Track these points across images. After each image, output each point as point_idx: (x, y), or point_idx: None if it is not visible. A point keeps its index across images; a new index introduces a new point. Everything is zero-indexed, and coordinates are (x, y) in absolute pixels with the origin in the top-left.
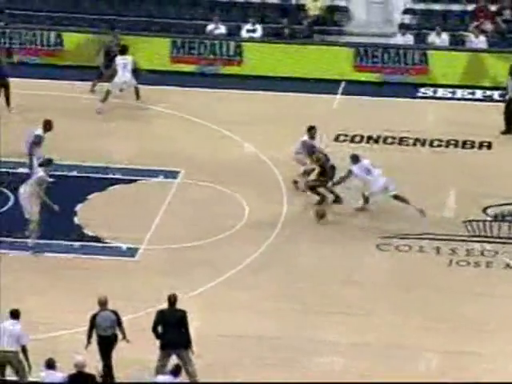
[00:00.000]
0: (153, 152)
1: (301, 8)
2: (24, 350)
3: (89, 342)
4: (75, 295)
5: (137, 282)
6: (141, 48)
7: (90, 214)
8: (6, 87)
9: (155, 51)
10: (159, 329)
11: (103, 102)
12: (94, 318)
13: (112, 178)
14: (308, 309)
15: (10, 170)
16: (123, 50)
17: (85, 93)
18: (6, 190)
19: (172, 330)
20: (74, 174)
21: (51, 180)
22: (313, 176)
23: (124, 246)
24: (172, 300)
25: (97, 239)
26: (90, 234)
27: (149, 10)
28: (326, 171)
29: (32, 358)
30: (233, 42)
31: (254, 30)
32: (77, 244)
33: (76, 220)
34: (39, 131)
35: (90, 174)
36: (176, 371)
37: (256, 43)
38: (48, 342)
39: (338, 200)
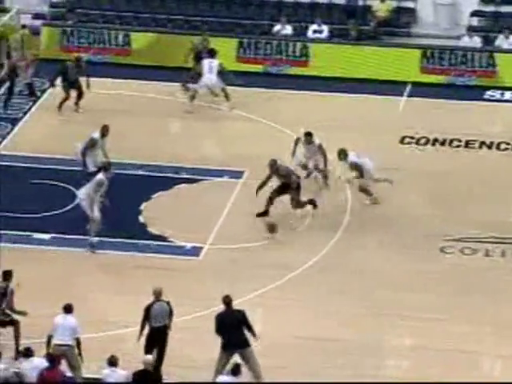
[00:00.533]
0: (218, 152)
1: (368, 9)
2: (78, 342)
3: (141, 333)
4: (139, 293)
5: (200, 281)
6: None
7: (154, 212)
8: (79, 93)
9: (222, 51)
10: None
11: (191, 101)
12: (148, 308)
13: (177, 178)
14: (373, 311)
15: (78, 168)
16: (211, 53)
17: (151, 92)
18: (71, 187)
19: (232, 331)
20: (140, 172)
21: (117, 178)
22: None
23: (188, 245)
24: (227, 301)
25: (161, 238)
26: (155, 232)
27: (218, 11)
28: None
29: (95, 355)
30: (299, 42)
31: (320, 31)
32: (141, 242)
33: (141, 218)
34: (96, 135)
35: (155, 173)
36: (236, 371)
37: (322, 44)
38: (111, 339)
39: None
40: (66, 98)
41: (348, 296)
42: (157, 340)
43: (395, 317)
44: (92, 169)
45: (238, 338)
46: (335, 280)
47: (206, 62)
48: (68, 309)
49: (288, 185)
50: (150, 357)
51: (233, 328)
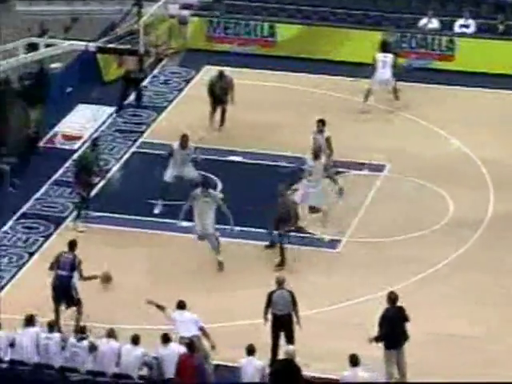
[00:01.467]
0: (359, 145)
1: None
2: (203, 330)
3: (265, 319)
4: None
5: (337, 274)
6: (351, 41)
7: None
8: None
9: (365, 44)
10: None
11: (365, 101)
12: (270, 295)
13: None
14: (508, 311)
15: (220, 158)
16: (385, 47)
17: (298, 84)
18: (214, 177)
19: (397, 327)
20: (282, 163)
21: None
22: None
23: (327, 238)
24: (392, 298)
25: (300, 229)
26: None
27: (363, 3)
28: None
29: (230, 343)
30: (445, 36)
31: (467, 26)
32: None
33: None
34: (175, 145)
35: (295, 165)
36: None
37: (469, 38)
38: (248, 328)
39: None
40: (212, 114)
41: (483, 294)
42: (280, 328)
43: None
44: (167, 179)
45: (400, 335)
46: (472, 278)
47: (380, 57)
48: (181, 305)
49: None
50: (291, 347)
51: (397, 324)
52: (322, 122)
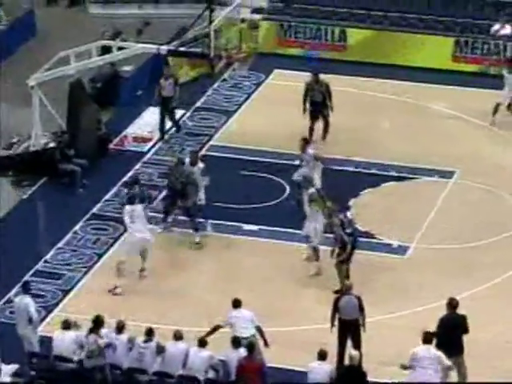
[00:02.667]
0: (429, 151)
1: None
2: (260, 331)
3: (332, 324)
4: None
5: (405, 280)
6: (424, 46)
7: (362, 209)
8: (325, 123)
9: (437, 50)
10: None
11: (494, 115)
12: (337, 301)
13: (386, 175)
14: None
15: (288, 162)
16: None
17: (367, 89)
18: (282, 181)
19: (453, 336)
20: (350, 168)
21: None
22: None
23: (395, 243)
24: (453, 304)
25: (368, 234)
26: (362, 229)
27: (435, 8)
28: None
29: (299, 347)
30: None
31: None
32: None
33: (348, 214)
34: (186, 159)
35: (364, 170)
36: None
37: None
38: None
39: None
40: (311, 130)
41: None
42: (347, 333)
43: None
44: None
45: (456, 345)
46: None
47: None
48: (237, 304)
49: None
50: (356, 352)
51: (453, 333)
52: (305, 141)
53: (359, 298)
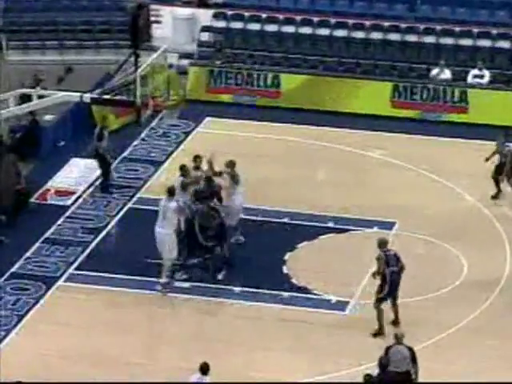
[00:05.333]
0: (368, 201)
1: None
2: None
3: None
4: (286, 348)
5: (345, 338)
6: (361, 91)
7: (299, 263)
8: None
9: (375, 95)
10: None
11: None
12: (387, 350)
13: (324, 227)
14: None
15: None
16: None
17: (303, 136)
18: None
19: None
20: (285, 220)
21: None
22: None
23: (334, 299)
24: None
25: (305, 290)
26: (299, 284)
27: (373, 53)
28: None
29: None
30: (458, 87)
31: (481, 76)
32: (285, 294)
33: (285, 269)
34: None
35: (300, 222)
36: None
37: (483, 90)
38: None
39: None
40: None
41: (499, 359)
42: None
43: None
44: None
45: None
46: (486, 344)
47: None
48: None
49: None
50: None
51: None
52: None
53: (411, 350)
